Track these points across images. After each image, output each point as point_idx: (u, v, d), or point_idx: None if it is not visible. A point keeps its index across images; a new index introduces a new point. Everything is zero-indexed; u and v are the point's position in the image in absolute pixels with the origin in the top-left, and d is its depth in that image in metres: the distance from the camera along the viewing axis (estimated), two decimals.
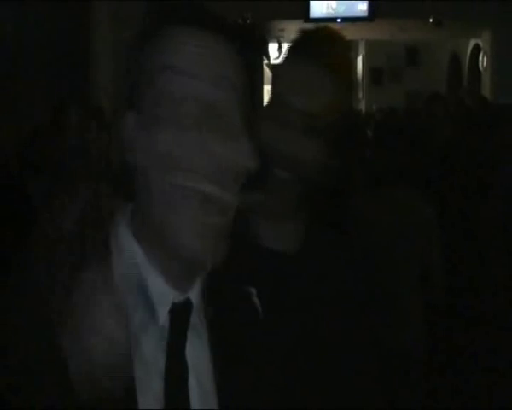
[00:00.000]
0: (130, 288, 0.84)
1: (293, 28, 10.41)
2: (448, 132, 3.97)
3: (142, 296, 0.84)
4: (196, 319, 0.88)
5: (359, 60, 13.78)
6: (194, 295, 0.87)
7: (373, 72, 13.53)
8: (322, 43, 1.22)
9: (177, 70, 0.82)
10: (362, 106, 11.67)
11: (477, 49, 10.94)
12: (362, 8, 9.50)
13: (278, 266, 1.18)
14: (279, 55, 10.83)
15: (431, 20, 9.24)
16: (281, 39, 10.61)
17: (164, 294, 0.84)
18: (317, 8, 9.50)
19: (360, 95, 13.33)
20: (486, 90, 9.84)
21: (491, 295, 3.08)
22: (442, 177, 3.47)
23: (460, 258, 3.15)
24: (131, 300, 0.83)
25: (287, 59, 1.26)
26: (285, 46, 11.62)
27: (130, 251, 0.85)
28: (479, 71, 10.48)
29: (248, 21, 8.29)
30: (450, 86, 12.30)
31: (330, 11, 9.57)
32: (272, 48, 10.51)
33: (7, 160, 3.37)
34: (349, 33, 11.44)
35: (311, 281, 1.21)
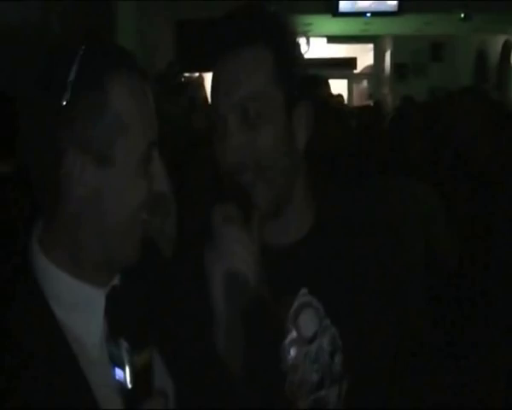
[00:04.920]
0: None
1: (321, 23, 10.34)
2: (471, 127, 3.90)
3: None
4: None
5: (387, 55, 13.67)
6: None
7: (398, 67, 13.43)
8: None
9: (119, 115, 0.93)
10: (388, 101, 11.58)
11: (508, 44, 10.80)
12: (391, 2, 9.37)
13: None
14: (307, 50, 10.79)
15: (462, 16, 9.11)
16: (308, 34, 10.55)
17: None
18: (346, 3, 9.39)
19: (386, 90, 13.22)
20: None
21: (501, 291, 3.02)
22: (458, 170, 3.45)
23: (472, 253, 3.12)
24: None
25: None
26: (312, 41, 11.57)
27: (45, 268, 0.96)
28: (509, 66, 10.34)
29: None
30: (476, 82, 12.16)
31: (359, 6, 9.46)
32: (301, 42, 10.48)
33: None
34: (375, 28, 11.36)
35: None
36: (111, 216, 0.94)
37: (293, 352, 1.17)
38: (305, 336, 1.18)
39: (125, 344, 0.90)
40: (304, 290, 1.18)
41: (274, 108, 1.13)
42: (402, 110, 4.47)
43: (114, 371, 0.92)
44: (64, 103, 0.91)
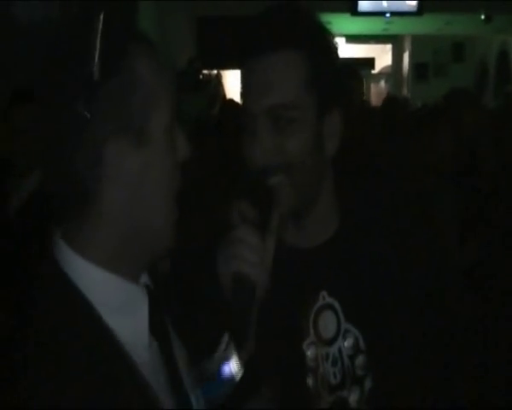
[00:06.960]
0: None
1: (340, 22, 10.32)
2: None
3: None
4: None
5: (405, 55, 13.61)
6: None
7: (418, 67, 13.35)
8: None
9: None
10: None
11: None
12: (411, 2, 9.35)
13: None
14: None
15: (482, 17, 9.06)
16: None
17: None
18: (365, 2, 9.39)
19: (405, 90, 13.16)
20: None
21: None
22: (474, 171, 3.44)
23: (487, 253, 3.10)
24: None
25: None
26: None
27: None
28: None
29: None
30: (497, 82, 12.06)
31: (378, 5, 9.45)
32: None
33: None
34: (396, 28, 11.32)
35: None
36: (149, 201, 0.89)
37: (310, 353, 1.18)
38: (324, 338, 1.19)
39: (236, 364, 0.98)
40: (324, 293, 1.19)
41: (306, 114, 1.12)
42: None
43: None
44: (92, 83, 0.82)
